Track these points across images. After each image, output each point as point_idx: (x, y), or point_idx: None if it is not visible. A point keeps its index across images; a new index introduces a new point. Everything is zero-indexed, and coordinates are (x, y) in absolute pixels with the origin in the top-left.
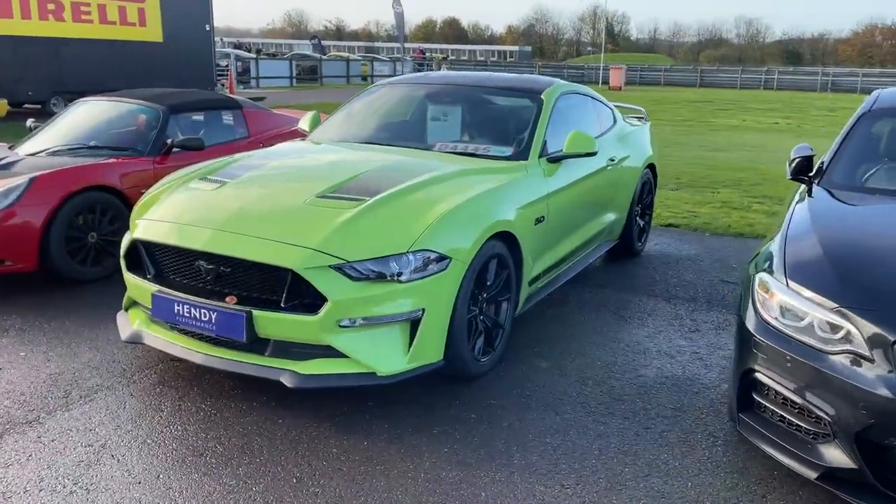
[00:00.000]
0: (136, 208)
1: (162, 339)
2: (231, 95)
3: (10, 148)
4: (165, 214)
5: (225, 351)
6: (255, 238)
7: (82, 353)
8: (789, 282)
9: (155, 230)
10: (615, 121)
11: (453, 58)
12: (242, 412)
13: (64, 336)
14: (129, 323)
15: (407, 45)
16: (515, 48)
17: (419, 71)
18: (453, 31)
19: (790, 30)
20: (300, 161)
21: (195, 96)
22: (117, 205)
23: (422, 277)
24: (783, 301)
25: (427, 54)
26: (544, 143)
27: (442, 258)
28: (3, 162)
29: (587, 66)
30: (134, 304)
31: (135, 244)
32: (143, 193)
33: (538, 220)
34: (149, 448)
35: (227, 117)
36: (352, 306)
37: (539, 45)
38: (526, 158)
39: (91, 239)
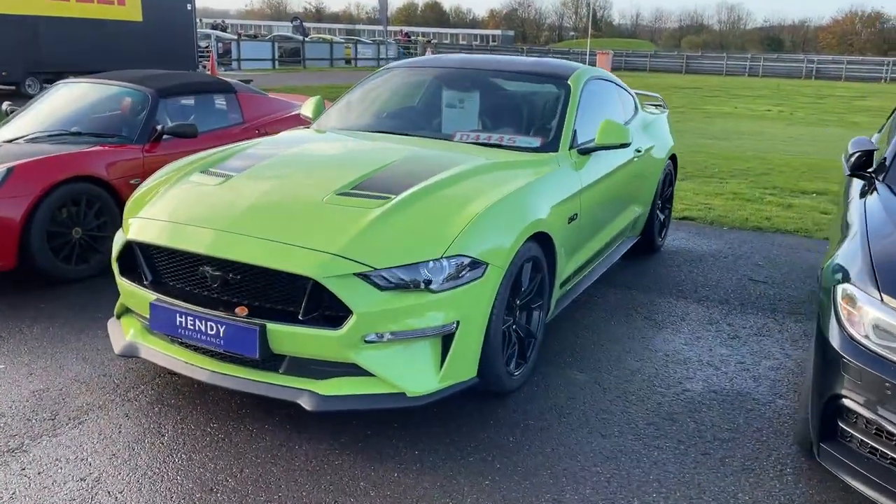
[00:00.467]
0: (129, 204)
1: (161, 354)
2: (224, 78)
3: None
4: (164, 212)
5: (233, 367)
6: (269, 241)
7: (69, 365)
8: (883, 295)
9: (152, 230)
10: (637, 109)
11: (435, 41)
12: (254, 436)
13: (48, 345)
14: (122, 333)
15: (388, 28)
16: (498, 32)
17: (406, 55)
18: (434, 14)
19: (771, 16)
20: (312, 152)
21: (185, 78)
22: (104, 197)
23: (457, 286)
24: (877, 318)
25: (412, 37)
26: (574, 133)
27: (478, 264)
28: None
29: (572, 51)
30: (127, 311)
31: (129, 246)
32: (131, 184)
33: (571, 219)
34: (150, 482)
35: (220, 101)
36: (379, 319)
37: (521, 30)
38: (556, 150)
39: (76, 234)
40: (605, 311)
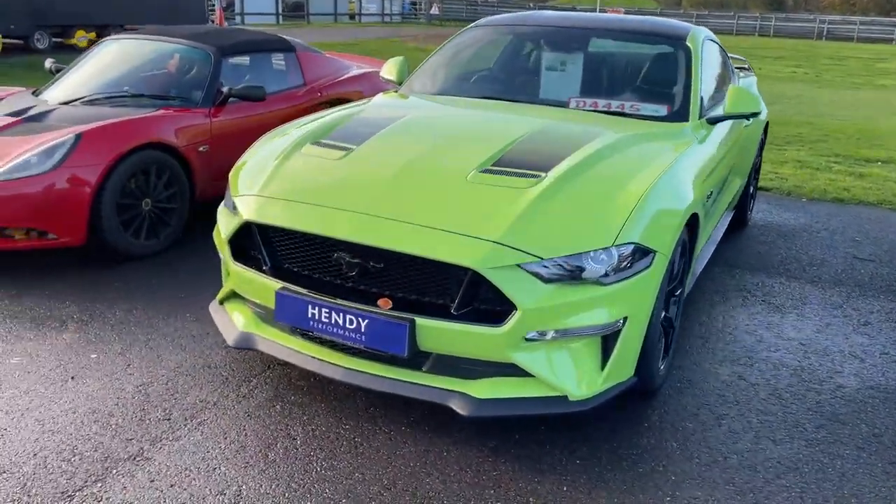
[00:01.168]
0: (231, 180)
1: (284, 348)
2: (283, 37)
3: (33, 94)
4: (287, 190)
5: (370, 364)
6: (420, 227)
7: (166, 354)
8: None
9: (276, 211)
10: (733, 72)
11: None
12: (394, 440)
13: (136, 330)
14: (231, 322)
15: None
16: None
17: (413, 10)
18: None
19: None
20: (428, 122)
21: (245, 36)
22: (173, 165)
23: (625, 278)
24: None
25: None
26: (701, 100)
27: (645, 252)
28: (33, 112)
29: (578, 7)
30: (233, 296)
31: (247, 227)
32: (200, 152)
33: (709, 196)
34: (298, 497)
35: (279, 61)
36: (544, 316)
37: None
38: (686, 119)
39: (145, 206)
40: (718, 294)
